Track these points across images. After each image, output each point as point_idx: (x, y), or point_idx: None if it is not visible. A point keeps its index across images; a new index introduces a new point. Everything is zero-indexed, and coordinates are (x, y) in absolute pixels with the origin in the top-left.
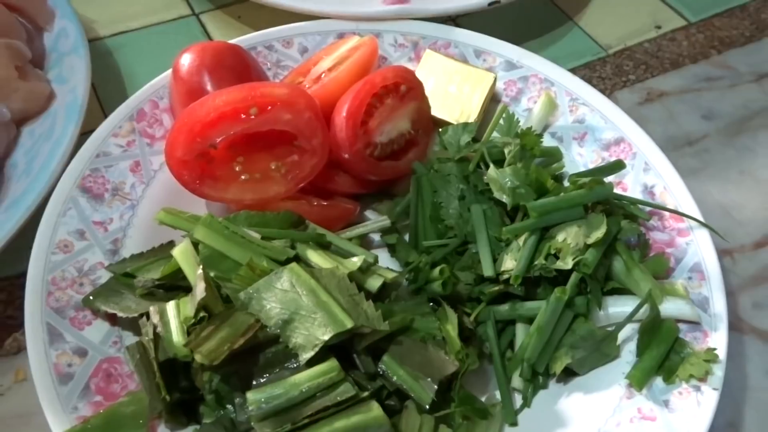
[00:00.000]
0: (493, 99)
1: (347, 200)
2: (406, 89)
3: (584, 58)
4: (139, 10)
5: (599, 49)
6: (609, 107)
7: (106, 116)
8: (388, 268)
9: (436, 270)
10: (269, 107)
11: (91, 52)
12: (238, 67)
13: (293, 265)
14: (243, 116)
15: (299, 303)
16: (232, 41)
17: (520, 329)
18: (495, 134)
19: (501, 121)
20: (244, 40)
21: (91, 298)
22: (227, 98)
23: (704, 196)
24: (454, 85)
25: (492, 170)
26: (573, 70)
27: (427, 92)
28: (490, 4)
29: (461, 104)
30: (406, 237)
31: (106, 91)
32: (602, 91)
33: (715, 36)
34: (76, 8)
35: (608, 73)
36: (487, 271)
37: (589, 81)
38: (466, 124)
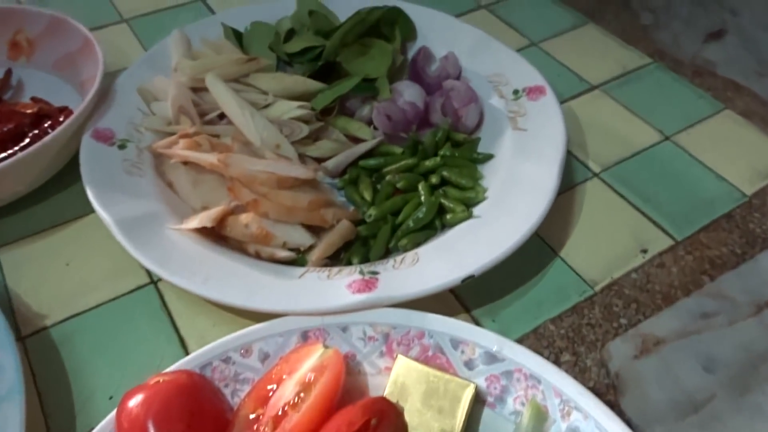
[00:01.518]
0: (477, 399)
1: None
2: (377, 421)
3: (571, 300)
4: (95, 283)
5: (585, 287)
6: (603, 413)
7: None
8: None
9: None
10: None
11: (36, 347)
12: (189, 409)
13: None
14: None
15: None
16: (184, 362)
17: None
18: None
19: None
20: (200, 355)
21: None
22: None
23: None
24: (433, 399)
25: None
26: (560, 317)
27: (401, 407)
28: (463, 281)
29: (441, 422)
30: None
31: (52, 397)
32: (593, 344)
33: (705, 256)
34: (26, 292)
35: (597, 317)
36: None
37: (578, 330)
38: None
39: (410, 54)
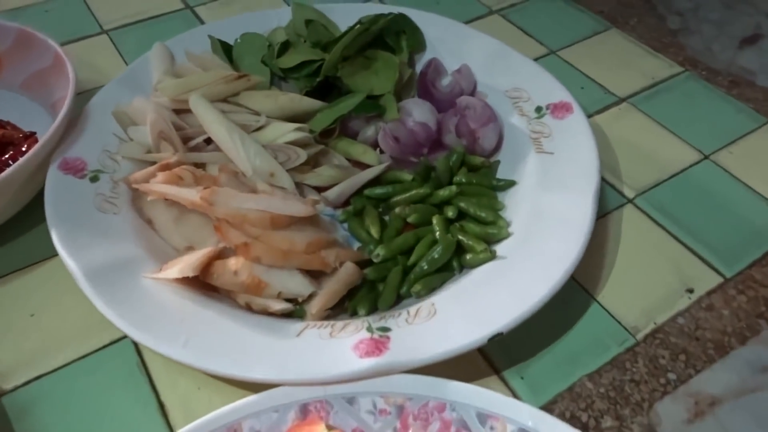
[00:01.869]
0: None
1: None
2: None
3: (610, 351)
4: (63, 338)
5: (626, 335)
6: None
7: None
8: None
9: None
10: None
11: None
12: None
13: None
14: None
15: None
16: None
17: None
18: None
19: None
20: None
21: None
22: None
23: None
24: None
25: None
26: (599, 372)
27: None
28: (491, 339)
29: None
30: None
31: None
32: (639, 404)
33: (760, 297)
34: None
35: (642, 373)
36: None
37: (620, 388)
38: None
39: (419, 67)
